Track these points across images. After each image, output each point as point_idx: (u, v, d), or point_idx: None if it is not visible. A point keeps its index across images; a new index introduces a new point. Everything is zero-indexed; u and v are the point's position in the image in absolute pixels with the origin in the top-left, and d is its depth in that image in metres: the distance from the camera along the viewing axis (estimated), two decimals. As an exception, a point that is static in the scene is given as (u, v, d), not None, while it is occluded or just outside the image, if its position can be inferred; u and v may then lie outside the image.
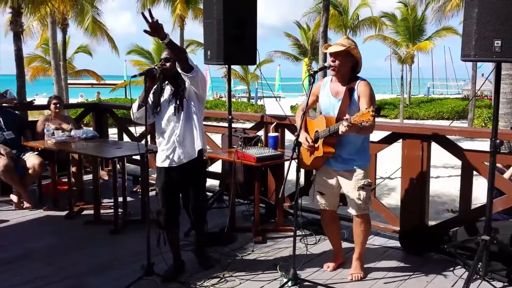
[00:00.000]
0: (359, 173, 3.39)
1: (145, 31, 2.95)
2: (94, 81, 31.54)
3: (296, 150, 3.25)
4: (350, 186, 3.41)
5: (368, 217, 3.53)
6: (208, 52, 4.73)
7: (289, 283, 3.28)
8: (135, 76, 3.42)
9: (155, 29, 2.93)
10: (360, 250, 3.57)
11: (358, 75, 3.41)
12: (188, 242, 4.14)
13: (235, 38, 4.57)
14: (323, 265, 3.73)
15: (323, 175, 3.54)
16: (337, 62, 3.32)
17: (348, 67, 3.35)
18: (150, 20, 2.89)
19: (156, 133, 3.52)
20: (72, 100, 24.63)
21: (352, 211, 3.46)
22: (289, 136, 5.14)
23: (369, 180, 3.44)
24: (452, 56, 56.84)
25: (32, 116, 11.20)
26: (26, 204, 5.34)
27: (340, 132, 3.07)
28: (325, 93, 3.48)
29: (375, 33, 27.60)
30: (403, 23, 28.51)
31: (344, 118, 3.05)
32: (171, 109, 3.38)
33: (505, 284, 3.38)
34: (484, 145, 3.49)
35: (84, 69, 28.57)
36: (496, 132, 3.17)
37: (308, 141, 3.42)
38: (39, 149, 5.32)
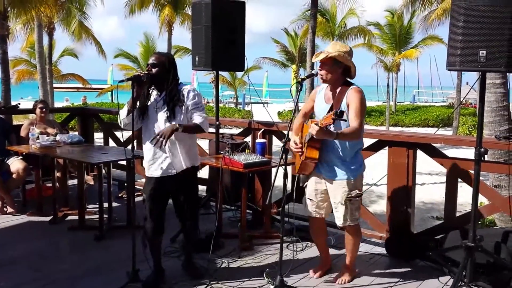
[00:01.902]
0: (347, 184, 3.36)
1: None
2: (80, 85, 31.27)
3: (284, 157, 3.25)
4: (337, 198, 3.39)
5: (358, 227, 3.52)
6: (196, 58, 4.73)
7: (276, 290, 3.27)
8: (122, 81, 3.40)
9: (167, 135, 3.19)
10: (349, 257, 3.58)
11: (352, 81, 3.38)
12: (174, 248, 4.11)
13: (223, 44, 4.57)
14: (309, 272, 3.73)
15: (313, 182, 3.53)
16: (323, 70, 3.31)
17: (337, 73, 3.30)
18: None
19: (143, 139, 3.49)
20: (57, 104, 24.39)
21: (338, 221, 3.44)
22: (276, 142, 5.14)
23: (358, 191, 3.39)
24: (438, 65, 57.59)
25: (16, 120, 11.06)
26: (9, 209, 5.26)
27: (312, 135, 3.07)
28: (320, 99, 3.48)
29: (363, 41, 27.80)
30: (390, 31, 28.79)
31: (314, 122, 3.05)
32: (161, 116, 3.35)
33: (489, 291, 3.41)
34: (468, 152, 3.54)
35: (70, 73, 28.32)
36: (480, 141, 3.20)
37: (296, 144, 3.41)
38: (24, 153, 5.25)
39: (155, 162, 3.39)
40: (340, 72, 3.32)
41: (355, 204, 3.39)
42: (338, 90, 3.34)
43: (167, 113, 3.32)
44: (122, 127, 3.43)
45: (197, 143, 3.59)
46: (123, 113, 3.38)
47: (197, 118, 3.33)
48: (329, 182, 3.43)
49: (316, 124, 3.00)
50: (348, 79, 3.38)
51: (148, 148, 3.43)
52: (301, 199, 4.70)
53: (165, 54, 3.49)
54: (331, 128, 3.14)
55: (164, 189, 3.43)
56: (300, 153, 3.44)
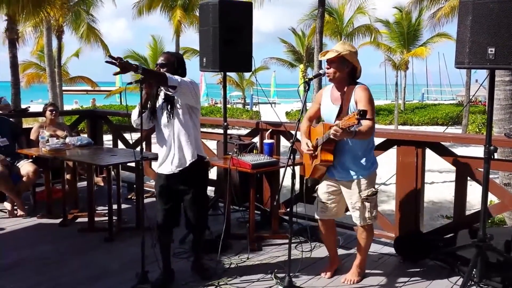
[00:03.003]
0: (362, 183, 3.36)
1: (116, 73, 2.98)
2: (89, 88, 31.51)
3: (292, 157, 3.25)
4: (354, 198, 3.39)
5: (372, 226, 3.52)
6: (204, 59, 4.74)
7: (285, 291, 3.27)
8: (130, 83, 3.41)
9: (124, 67, 2.93)
10: (361, 257, 3.57)
11: (359, 80, 3.38)
12: (184, 249, 4.13)
13: (231, 45, 4.58)
14: (318, 272, 3.72)
15: (325, 185, 3.52)
16: (331, 69, 3.31)
17: (344, 73, 3.31)
18: (116, 62, 2.90)
19: (157, 139, 3.52)
20: (66, 107, 24.57)
21: (357, 221, 3.44)
22: (284, 143, 5.14)
23: (374, 189, 3.39)
24: (446, 62, 57.30)
25: (26, 123, 11.15)
26: (19, 212, 5.30)
27: (331, 136, 3.06)
28: (326, 100, 3.47)
29: (370, 40, 27.71)
30: (398, 29, 28.67)
31: (335, 123, 3.04)
32: (165, 115, 3.38)
33: (500, 290, 3.38)
34: (478, 150, 3.51)
35: (79, 75, 28.55)
36: (490, 139, 3.18)
37: (308, 146, 3.41)
38: (34, 156, 5.29)
39: (166, 160, 3.41)
40: (347, 71, 3.32)
41: (372, 202, 3.39)
42: (345, 89, 3.34)
43: (167, 111, 3.34)
44: (134, 127, 3.47)
45: (200, 138, 3.58)
46: (134, 114, 3.42)
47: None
48: (343, 183, 3.42)
49: (337, 126, 2.98)
50: (353, 79, 3.37)
51: (160, 147, 3.45)
52: (309, 199, 4.70)
53: (174, 54, 3.51)
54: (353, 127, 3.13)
55: (173, 186, 3.45)
56: (312, 156, 3.44)
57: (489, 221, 6.65)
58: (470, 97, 23.42)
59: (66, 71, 27.29)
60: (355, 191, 3.37)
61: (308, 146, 3.42)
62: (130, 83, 3.41)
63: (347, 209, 3.60)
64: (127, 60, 2.96)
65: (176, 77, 3.21)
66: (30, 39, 21.29)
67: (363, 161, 3.37)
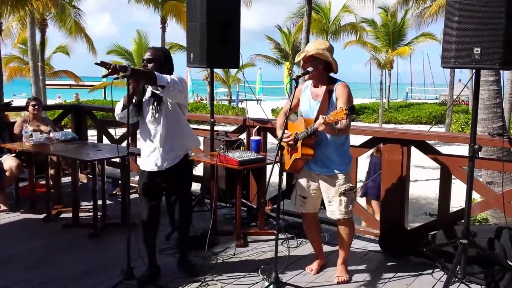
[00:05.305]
0: (340, 178, 3.41)
1: (104, 75, 2.97)
2: (72, 82, 31.10)
3: (279, 154, 3.26)
4: (332, 192, 3.43)
5: (352, 220, 3.55)
6: (191, 55, 4.72)
7: (271, 287, 3.28)
8: (117, 78, 3.38)
9: (114, 71, 2.94)
10: (344, 254, 3.59)
11: (337, 77, 3.44)
12: (170, 246, 4.11)
13: (218, 42, 4.57)
14: (304, 268, 3.74)
15: (304, 179, 3.55)
16: (307, 68, 3.36)
17: (319, 69, 3.37)
18: (106, 67, 2.90)
19: (140, 134, 3.49)
20: (49, 101, 24.25)
21: (334, 216, 3.47)
22: (271, 140, 5.14)
23: (351, 184, 3.46)
24: (430, 62, 57.84)
25: (9, 117, 10.96)
26: (2, 207, 5.23)
27: (319, 128, 3.09)
28: (306, 96, 3.51)
29: (356, 38, 27.86)
30: (383, 28, 28.87)
31: (321, 116, 3.07)
32: (151, 111, 3.36)
33: (483, 286, 3.44)
34: (460, 149, 3.56)
35: (62, 69, 28.16)
36: (474, 138, 3.22)
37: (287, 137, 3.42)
38: (17, 151, 5.22)
39: (150, 157, 3.39)
40: (322, 68, 3.38)
41: (348, 197, 3.44)
42: (324, 86, 3.39)
43: (152, 107, 3.32)
44: (117, 120, 3.44)
45: (190, 133, 3.58)
46: (118, 107, 3.38)
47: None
48: (322, 177, 3.46)
49: (324, 119, 3.02)
50: (332, 75, 3.44)
51: (144, 143, 3.43)
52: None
53: (161, 49, 3.49)
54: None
55: (157, 183, 3.43)
56: (291, 150, 3.46)
57: (472, 218, 6.76)
58: (454, 96, 23.69)
59: (49, 65, 26.87)
60: (333, 185, 3.42)
61: (286, 135, 3.42)
62: (117, 78, 3.38)
63: (322, 203, 3.65)
64: (116, 65, 2.96)
65: (166, 76, 3.18)
66: (17, 32, 20.93)
67: (343, 156, 3.45)
